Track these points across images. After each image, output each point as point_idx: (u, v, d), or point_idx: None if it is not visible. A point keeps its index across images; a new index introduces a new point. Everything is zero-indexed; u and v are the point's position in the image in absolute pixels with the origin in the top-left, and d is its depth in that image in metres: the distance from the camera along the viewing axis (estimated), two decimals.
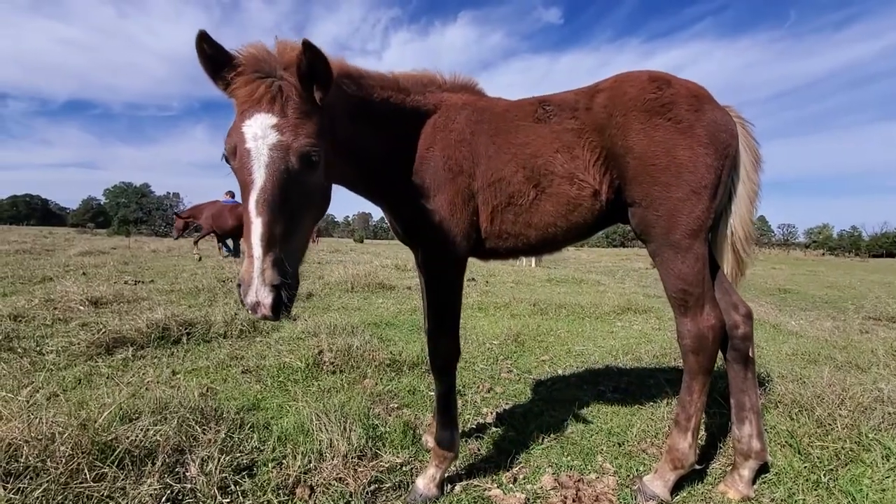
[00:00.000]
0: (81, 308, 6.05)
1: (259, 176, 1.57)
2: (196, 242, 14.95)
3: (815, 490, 2.32)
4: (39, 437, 2.10)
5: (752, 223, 2.24)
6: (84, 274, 9.87)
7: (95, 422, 2.28)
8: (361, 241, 56.67)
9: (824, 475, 2.41)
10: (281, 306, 1.50)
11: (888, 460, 2.41)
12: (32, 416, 2.21)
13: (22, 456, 2.01)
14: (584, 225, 2.27)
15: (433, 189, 2.17)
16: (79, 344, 4.26)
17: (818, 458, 2.55)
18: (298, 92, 1.68)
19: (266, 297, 1.47)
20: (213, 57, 1.66)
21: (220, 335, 5.04)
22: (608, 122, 2.13)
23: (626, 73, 2.26)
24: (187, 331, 4.94)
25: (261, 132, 1.60)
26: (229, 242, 15.94)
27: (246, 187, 1.59)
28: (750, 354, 2.27)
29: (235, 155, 1.63)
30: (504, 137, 2.23)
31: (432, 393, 3.64)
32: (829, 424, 2.79)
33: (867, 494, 2.21)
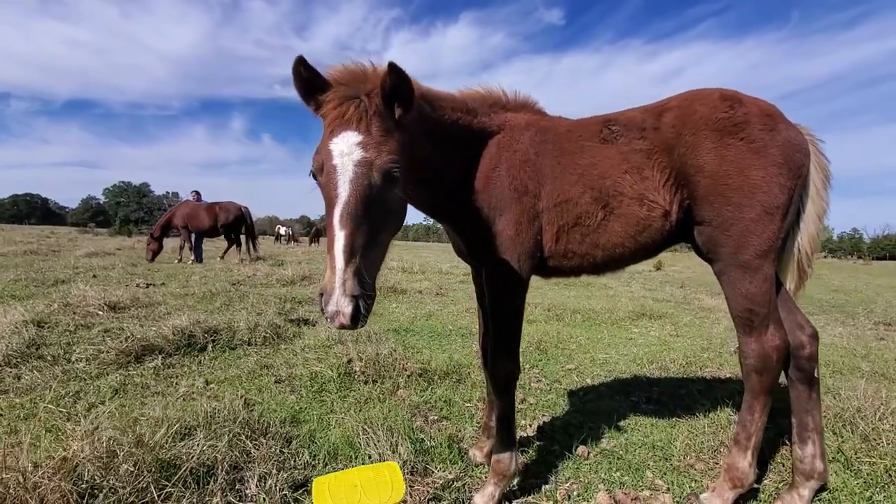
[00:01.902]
0: (100, 313, 6.04)
1: (344, 190, 1.63)
2: (191, 249, 14.70)
3: None
4: (101, 455, 2.09)
5: (818, 241, 2.25)
6: (94, 276, 9.86)
7: (152, 438, 2.28)
8: None
9: (878, 492, 2.41)
10: (359, 316, 1.53)
11: None
12: (92, 434, 2.19)
13: (87, 474, 2.00)
14: (653, 245, 2.27)
15: (499, 209, 2.18)
16: (108, 352, 4.23)
17: (868, 474, 2.56)
18: (381, 112, 1.74)
19: (346, 307, 1.50)
20: (309, 80, 1.74)
21: (244, 342, 5.03)
22: (677, 141, 2.13)
23: (694, 91, 2.26)
24: (212, 338, 4.93)
25: (347, 149, 1.67)
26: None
27: (331, 202, 1.65)
28: (815, 375, 2.27)
29: (322, 171, 1.69)
30: (570, 158, 2.23)
31: (469, 405, 3.66)
32: (875, 440, 2.80)
33: None
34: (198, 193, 15.91)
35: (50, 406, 3.10)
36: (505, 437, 2.34)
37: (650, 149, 2.17)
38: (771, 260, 2.10)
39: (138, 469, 2.07)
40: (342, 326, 1.52)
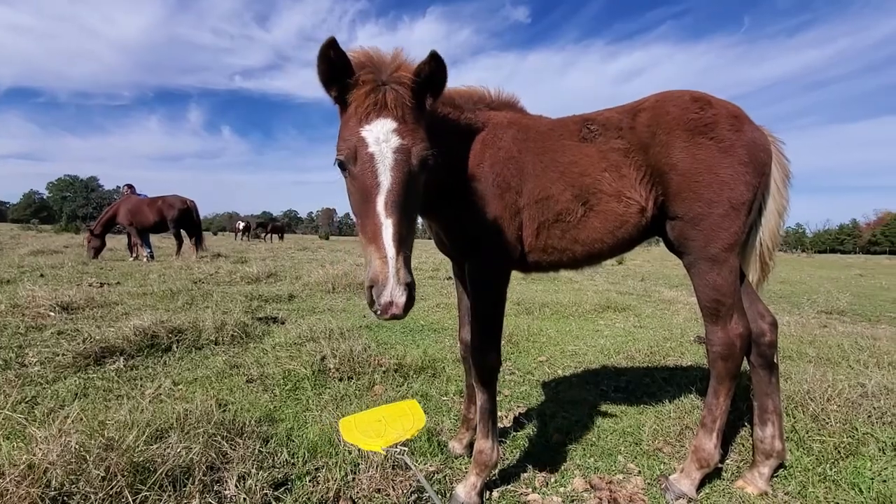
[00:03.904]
0: (52, 314, 5.72)
1: (386, 178, 1.62)
2: (133, 247, 13.89)
3: (823, 483, 2.50)
4: (70, 460, 2.00)
5: (779, 236, 2.40)
6: (42, 276, 9.31)
7: (124, 441, 2.20)
8: (327, 238, 55.72)
9: (829, 468, 2.60)
10: (411, 305, 1.54)
11: (885, 453, 2.64)
12: (59, 438, 2.09)
13: (56, 480, 1.91)
14: (629, 240, 2.36)
15: (482, 204, 2.21)
16: (64, 354, 4.03)
17: (819, 451, 2.76)
18: (411, 99, 1.73)
19: (400, 297, 1.49)
20: (336, 63, 1.67)
21: (211, 342, 4.89)
22: (652, 140, 2.22)
23: (666, 92, 2.36)
24: (177, 338, 4.77)
25: (383, 136, 1.65)
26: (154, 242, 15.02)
27: (370, 190, 1.63)
28: (775, 360, 2.43)
29: (356, 160, 1.66)
30: (551, 156, 2.29)
31: (445, 398, 3.69)
32: (824, 419, 3.01)
33: (871, 486, 2.41)
34: (131, 187, 15.15)
35: (7, 412, 2.92)
36: (487, 428, 2.38)
37: (627, 147, 2.25)
38: (736, 253, 2.23)
39: (110, 473, 1.99)
40: (393, 317, 1.51)
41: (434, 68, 1.70)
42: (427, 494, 2.36)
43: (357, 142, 1.66)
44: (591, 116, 2.39)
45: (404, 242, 1.58)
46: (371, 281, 1.53)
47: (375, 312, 1.52)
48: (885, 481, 2.43)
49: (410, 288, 1.52)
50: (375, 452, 2.50)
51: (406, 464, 2.19)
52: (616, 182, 2.24)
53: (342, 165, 1.72)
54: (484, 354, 2.33)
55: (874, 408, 3.12)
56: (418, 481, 2.41)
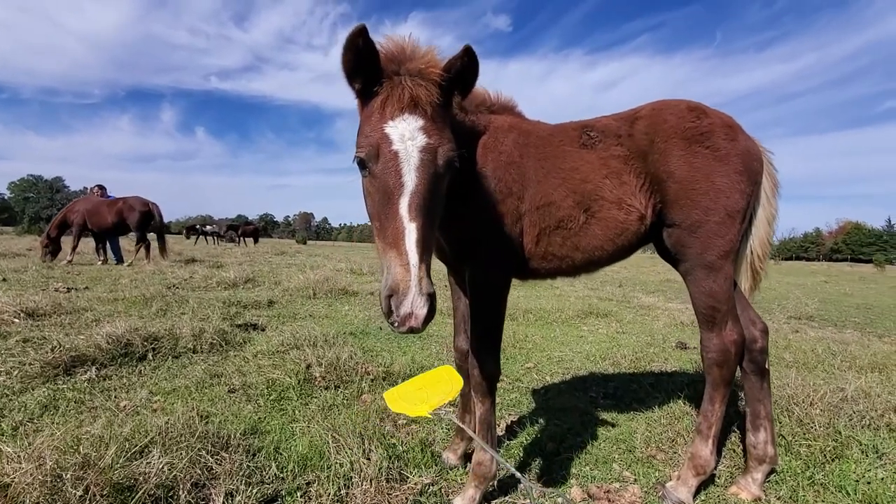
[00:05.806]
0: (16, 321, 5.43)
1: (410, 179, 1.54)
2: (73, 249, 13.10)
3: (813, 487, 2.54)
4: (45, 480, 1.86)
5: (769, 244, 2.44)
6: (4, 280, 8.89)
7: (102, 459, 2.07)
8: (304, 243, 54.87)
9: (817, 472, 2.65)
10: (432, 318, 1.46)
11: (868, 456, 2.70)
12: (34, 455, 1.95)
13: (29, 501, 1.78)
14: (628, 247, 2.36)
15: (483, 210, 2.17)
16: (31, 364, 3.81)
17: (807, 456, 2.80)
18: (440, 96, 1.65)
19: (421, 308, 1.41)
20: (364, 53, 1.57)
21: (189, 350, 4.71)
22: (650, 147, 2.23)
23: (663, 101, 2.38)
24: (153, 346, 4.58)
25: (409, 134, 1.56)
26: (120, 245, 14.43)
27: (392, 191, 1.54)
28: (766, 366, 2.46)
29: (378, 157, 1.57)
30: (552, 162, 2.27)
31: None
32: (809, 424, 3.07)
33: (856, 489, 2.46)
34: (102, 188, 14.57)
35: None
36: (486, 439, 2.33)
37: (627, 155, 2.26)
38: (731, 261, 2.26)
39: (89, 494, 1.87)
40: (410, 329, 1.43)
41: (467, 64, 1.63)
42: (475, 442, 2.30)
43: (380, 138, 1.57)
44: (590, 123, 2.39)
45: (427, 249, 1.50)
46: (390, 290, 1.44)
47: (392, 324, 1.44)
48: (869, 483, 2.49)
49: (432, 299, 1.44)
50: (422, 417, 2.43)
51: (452, 422, 2.25)
52: (617, 189, 2.24)
53: (362, 164, 1.62)
54: (483, 363, 2.29)
55: (854, 411, 3.21)
56: (414, 494, 2.35)
